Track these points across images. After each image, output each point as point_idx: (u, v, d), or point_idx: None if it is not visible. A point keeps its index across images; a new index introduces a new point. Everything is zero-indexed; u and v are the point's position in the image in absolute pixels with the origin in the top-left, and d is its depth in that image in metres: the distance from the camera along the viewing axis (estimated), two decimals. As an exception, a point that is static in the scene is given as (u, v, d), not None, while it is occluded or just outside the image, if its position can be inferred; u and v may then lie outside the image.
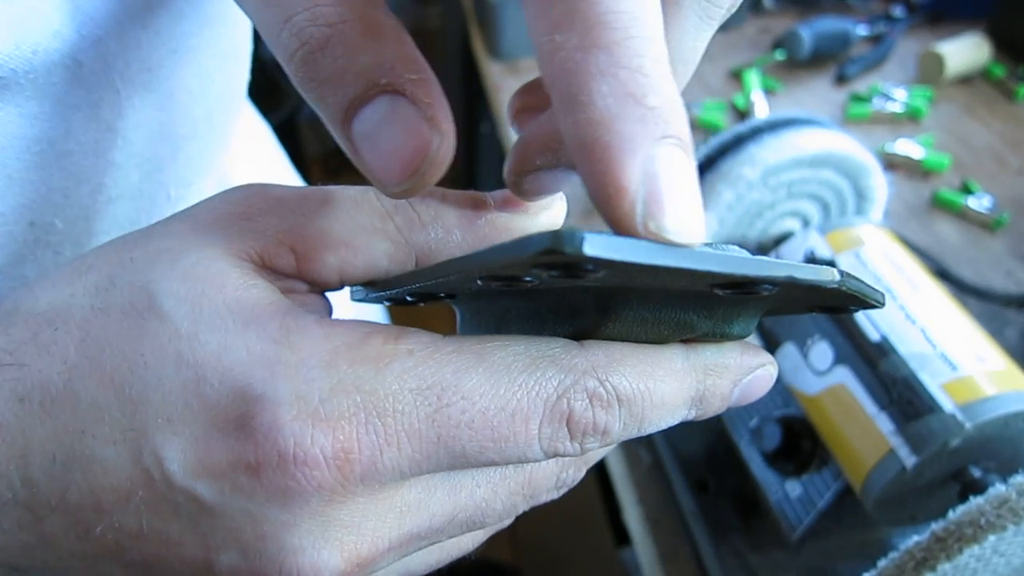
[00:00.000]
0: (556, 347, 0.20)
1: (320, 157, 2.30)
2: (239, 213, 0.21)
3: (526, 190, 0.22)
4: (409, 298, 0.22)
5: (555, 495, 0.24)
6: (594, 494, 1.03)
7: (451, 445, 0.19)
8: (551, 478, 0.23)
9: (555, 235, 0.15)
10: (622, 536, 0.95)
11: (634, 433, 0.21)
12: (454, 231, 0.22)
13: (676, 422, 0.22)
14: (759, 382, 0.24)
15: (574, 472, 0.24)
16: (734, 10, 0.23)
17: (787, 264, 0.18)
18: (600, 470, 1.00)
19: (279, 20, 0.18)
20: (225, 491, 0.18)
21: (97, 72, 0.27)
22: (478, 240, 0.23)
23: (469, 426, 0.19)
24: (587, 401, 0.20)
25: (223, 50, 0.35)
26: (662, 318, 0.21)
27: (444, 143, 0.19)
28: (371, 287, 0.22)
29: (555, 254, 0.15)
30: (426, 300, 0.23)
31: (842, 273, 0.20)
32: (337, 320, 0.20)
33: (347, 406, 0.18)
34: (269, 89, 1.73)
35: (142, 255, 0.20)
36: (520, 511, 0.23)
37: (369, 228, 0.22)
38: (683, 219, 0.16)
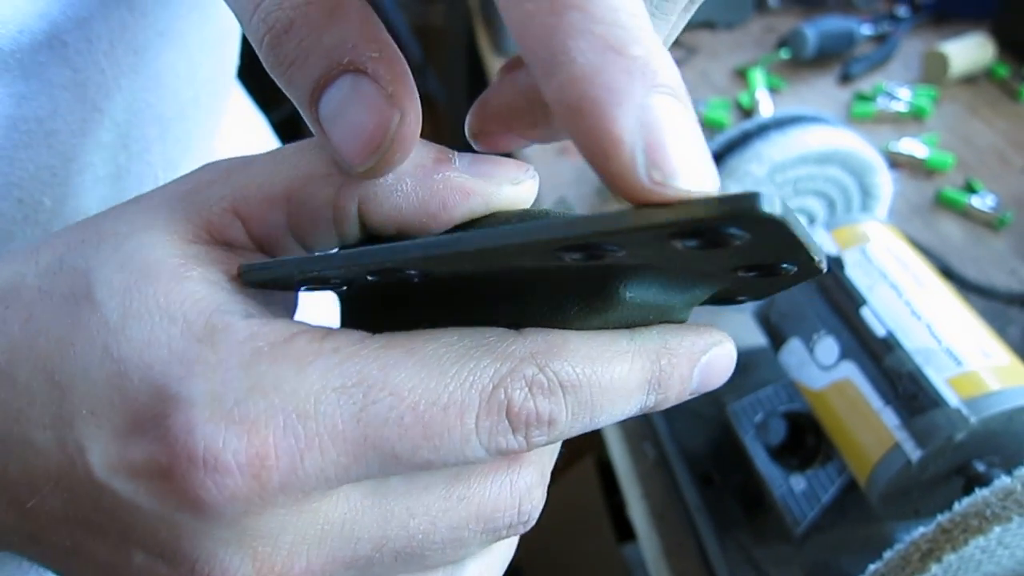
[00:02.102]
0: (491, 336, 0.19)
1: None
2: (189, 189, 0.21)
3: (483, 148, 0.23)
4: (303, 287, 0.21)
5: (520, 526, 0.21)
6: (596, 490, 1.03)
7: (380, 445, 0.18)
8: (505, 501, 0.21)
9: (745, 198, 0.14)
10: (624, 533, 0.96)
11: (587, 423, 0.20)
12: (405, 179, 0.20)
13: (635, 410, 0.21)
14: (720, 363, 0.22)
15: (534, 491, 0.21)
16: (692, 9, 0.23)
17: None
18: (604, 465, 1.00)
19: (250, 7, 0.19)
20: (140, 491, 0.17)
21: (83, 52, 0.27)
22: (428, 194, 0.21)
23: (399, 423, 0.18)
24: (527, 390, 0.19)
25: (211, 33, 0.35)
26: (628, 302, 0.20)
27: (405, 120, 0.18)
28: (262, 267, 0.20)
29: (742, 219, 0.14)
30: (316, 288, 0.21)
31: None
32: (268, 319, 0.19)
33: (263, 408, 0.17)
34: (271, 85, 1.73)
35: (92, 238, 0.20)
36: (472, 547, 0.21)
37: (313, 176, 0.20)
38: (692, 165, 0.15)
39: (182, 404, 0.17)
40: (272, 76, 0.19)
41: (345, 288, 0.21)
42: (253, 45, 0.19)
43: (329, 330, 0.19)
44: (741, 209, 0.15)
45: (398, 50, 0.19)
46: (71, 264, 0.19)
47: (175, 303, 0.18)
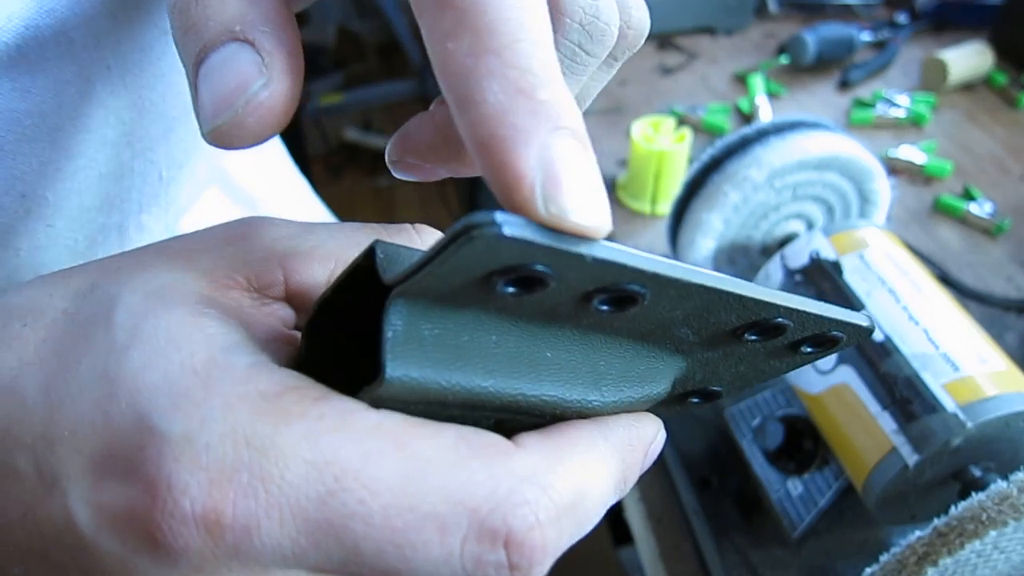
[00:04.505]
0: (489, 444, 0.18)
1: (322, 155, 2.30)
2: (236, 235, 0.21)
3: (401, 173, 0.24)
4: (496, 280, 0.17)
5: None
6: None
7: (343, 537, 0.16)
8: None
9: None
10: (620, 536, 0.96)
11: (576, 539, 0.19)
12: None
13: (603, 514, 0.20)
14: (657, 449, 0.22)
15: None
16: (613, 67, 0.24)
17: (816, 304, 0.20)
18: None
19: None
20: (102, 529, 0.17)
21: (89, 49, 0.28)
22: None
23: (366, 520, 0.16)
24: (534, 517, 0.17)
25: None
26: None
27: (269, 88, 0.18)
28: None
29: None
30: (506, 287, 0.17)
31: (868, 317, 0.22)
32: (273, 369, 0.18)
33: (231, 460, 0.16)
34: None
35: (129, 266, 0.20)
36: None
37: (358, 244, 0.21)
38: (585, 203, 0.16)
39: (157, 437, 0.16)
40: (176, 46, 0.19)
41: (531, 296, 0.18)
42: (168, 14, 0.19)
43: (327, 393, 0.18)
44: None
45: (297, 36, 0.19)
46: (103, 289, 0.19)
47: (184, 334, 0.18)
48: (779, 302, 0.20)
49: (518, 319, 0.19)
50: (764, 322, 0.20)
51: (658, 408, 0.24)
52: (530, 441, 0.19)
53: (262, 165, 0.51)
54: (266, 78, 0.18)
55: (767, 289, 0.19)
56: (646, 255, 0.17)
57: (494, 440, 0.18)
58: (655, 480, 0.57)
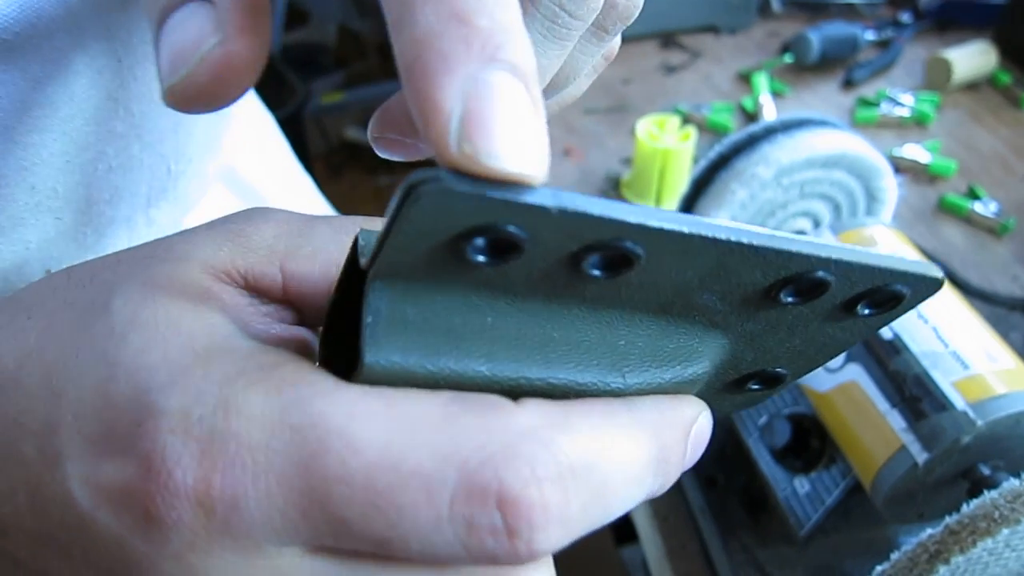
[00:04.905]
0: (487, 401, 0.17)
1: (323, 153, 2.30)
2: (236, 229, 0.20)
3: (382, 150, 0.23)
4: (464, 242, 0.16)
5: None
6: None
7: (327, 505, 0.15)
8: None
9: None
10: (622, 535, 0.96)
11: (600, 519, 0.17)
12: None
13: (642, 496, 0.18)
14: (703, 433, 0.20)
15: None
16: (605, 41, 0.23)
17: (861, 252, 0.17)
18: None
19: None
20: (103, 507, 0.16)
21: (100, 40, 0.27)
22: None
23: (346, 482, 0.15)
24: (531, 472, 0.15)
25: None
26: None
27: (225, 45, 0.17)
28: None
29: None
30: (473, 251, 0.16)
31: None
32: (273, 349, 0.18)
33: (221, 429, 0.16)
34: (274, 84, 1.74)
35: (129, 258, 0.20)
36: None
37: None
38: (509, 147, 0.14)
39: (154, 412, 0.16)
40: (145, 15, 0.19)
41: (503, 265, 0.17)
42: None
43: (323, 370, 0.17)
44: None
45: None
46: (101, 278, 0.19)
47: (185, 319, 0.18)
48: (807, 251, 0.17)
49: (514, 297, 0.17)
50: (798, 278, 0.17)
51: (713, 398, 0.22)
52: (535, 402, 0.17)
53: (269, 162, 0.51)
54: (222, 35, 0.17)
55: (795, 237, 0.17)
56: (630, 205, 0.15)
57: (494, 399, 0.17)
58: (661, 478, 0.57)
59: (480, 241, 0.15)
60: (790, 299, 0.18)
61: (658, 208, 0.16)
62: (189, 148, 0.36)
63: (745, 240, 0.16)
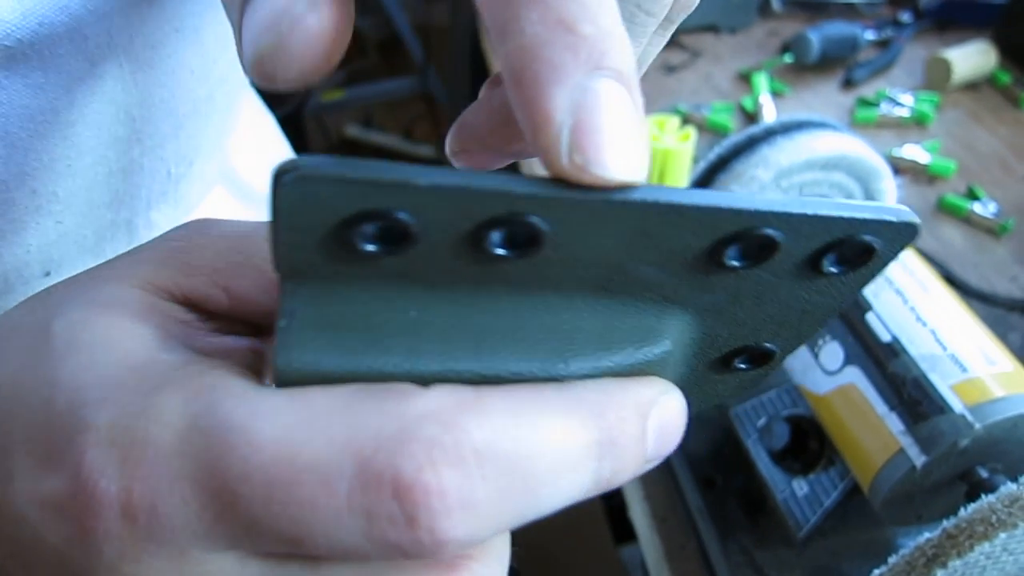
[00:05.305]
0: (391, 388, 0.16)
1: (324, 151, 2.30)
2: (177, 248, 0.20)
3: (463, 163, 0.23)
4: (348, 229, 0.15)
5: None
6: (595, 492, 1.03)
7: (235, 506, 0.15)
8: None
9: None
10: (621, 535, 0.96)
11: (523, 506, 0.15)
12: None
13: (588, 485, 0.16)
14: (671, 416, 0.18)
15: None
16: (671, 28, 0.23)
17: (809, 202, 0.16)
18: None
19: None
20: (46, 522, 0.16)
21: (102, 46, 0.28)
22: None
23: (247, 480, 0.15)
24: (423, 455, 0.14)
25: (226, 31, 0.36)
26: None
27: (317, 11, 0.16)
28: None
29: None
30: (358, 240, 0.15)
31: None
32: (212, 360, 0.18)
33: (141, 437, 0.16)
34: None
35: (76, 280, 0.20)
36: None
37: None
38: (616, 157, 0.14)
39: (84, 427, 0.16)
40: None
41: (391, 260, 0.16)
42: None
43: (250, 376, 0.17)
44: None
45: None
46: (48, 302, 0.19)
47: (123, 337, 0.18)
48: (737, 205, 0.15)
49: (436, 288, 0.17)
50: (741, 237, 0.16)
51: (704, 382, 0.21)
52: (446, 387, 0.16)
53: (269, 162, 0.51)
54: (309, 4, 0.16)
55: (728, 192, 0.16)
56: (522, 176, 0.15)
57: (401, 386, 0.16)
58: (659, 479, 0.57)
59: (368, 229, 0.15)
60: (736, 262, 0.17)
61: (549, 178, 0.15)
62: (190, 151, 0.37)
63: (652, 198, 0.15)
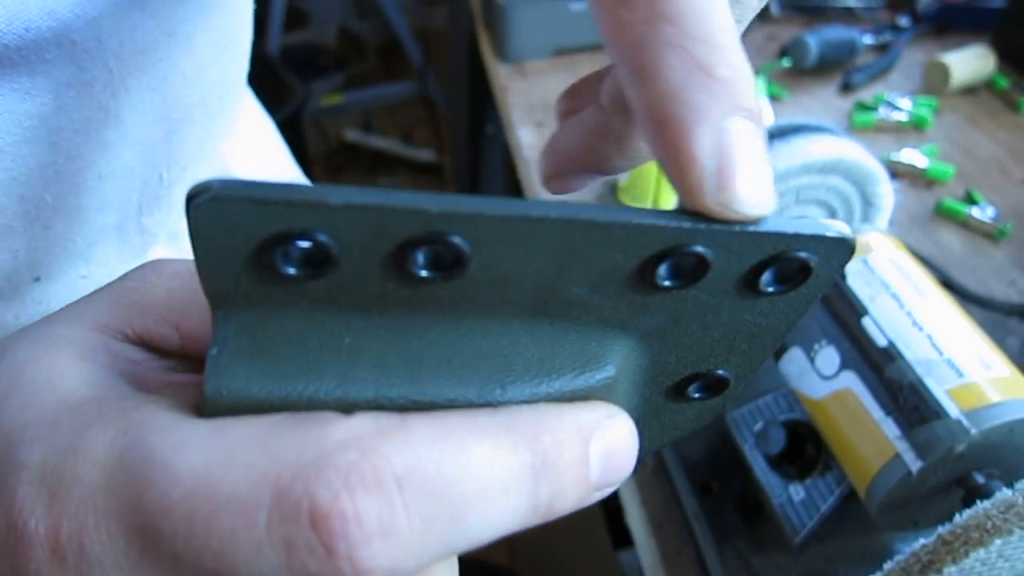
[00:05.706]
0: (314, 417, 0.16)
1: (322, 155, 2.30)
2: (131, 288, 0.20)
3: (555, 190, 0.23)
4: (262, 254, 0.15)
5: None
6: (593, 496, 1.03)
7: (158, 542, 0.15)
8: None
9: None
10: (620, 539, 0.96)
11: (450, 532, 0.15)
12: None
13: (524, 509, 0.16)
14: (618, 440, 0.18)
15: None
16: (743, 24, 0.23)
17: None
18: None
19: None
20: None
21: (91, 51, 0.27)
22: None
23: (168, 515, 0.15)
24: (342, 482, 0.14)
25: (220, 37, 0.35)
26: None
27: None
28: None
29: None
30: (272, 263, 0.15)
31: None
32: (151, 397, 0.17)
33: (68, 476, 0.15)
34: (274, 86, 1.74)
35: (39, 322, 0.20)
36: None
37: None
38: (755, 191, 0.16)
39: (17, 467, 0.16)
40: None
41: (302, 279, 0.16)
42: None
43: (174, 404, 0.17)
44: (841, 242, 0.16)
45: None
46: (3, 343, 0.19)
47: (66, 376, 0.18)
48: (660, 222, 0.16)
49: (368, 314, 0.16)
50: (670, 255, 0.16)
51: (661, 412, 0.21)
52: (370, 414, 0.16)
53: (266, 166, 0.51)
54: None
55: (650, 209, 0.16)
56: (437, 194, 0.14)
57: (324, 414, 0.16)
58: (656, 485, 0.57)
59: (292, 251, 0.15)
60: (668, 282, 0.17)
61: (477, 195, 0.15)
62: (183, 156, 0.36)
63: (569, 215, 0.15)
